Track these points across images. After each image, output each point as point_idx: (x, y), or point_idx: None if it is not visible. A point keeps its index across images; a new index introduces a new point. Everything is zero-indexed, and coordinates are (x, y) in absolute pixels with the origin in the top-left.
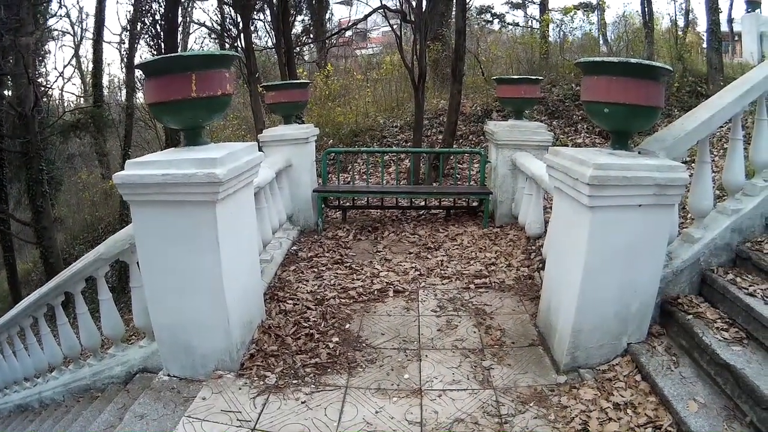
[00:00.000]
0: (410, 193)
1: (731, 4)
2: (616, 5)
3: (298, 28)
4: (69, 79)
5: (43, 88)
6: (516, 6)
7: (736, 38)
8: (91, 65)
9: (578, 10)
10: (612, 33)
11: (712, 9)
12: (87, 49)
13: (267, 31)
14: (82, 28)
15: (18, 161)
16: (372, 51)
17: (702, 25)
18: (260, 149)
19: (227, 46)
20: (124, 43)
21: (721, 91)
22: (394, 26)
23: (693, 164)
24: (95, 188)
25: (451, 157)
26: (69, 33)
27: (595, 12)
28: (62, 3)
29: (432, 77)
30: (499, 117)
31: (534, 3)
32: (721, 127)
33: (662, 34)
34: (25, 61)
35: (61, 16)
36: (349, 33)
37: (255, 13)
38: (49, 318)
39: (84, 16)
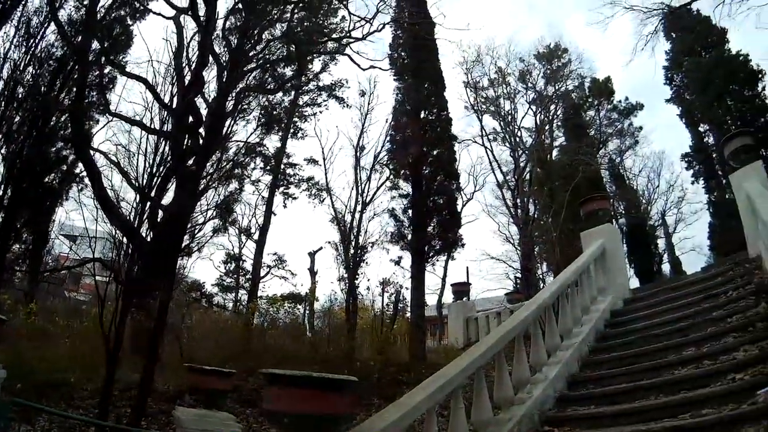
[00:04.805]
0: None
1: (441, 291)
2: (324, 298)
3: None
4: None
5: None
6: (226, 289)
7: (445, 320)
8: None
9: (286, 300)
10: (321, 320)
11: (418, 305)
12: None
13: None
14: None
15: None
16: (83, 298)
17: None
18: None
19: None
20: None
21: (414, 390)
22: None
23: None
24: None
25: None
26: None
27: (303, 303)
28: None
29: (130, 346)
30: (192, 399)
31: (244, 288)
32: None
33: (371, 321)
34: None
35: None
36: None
37: None
38: None
39: None
